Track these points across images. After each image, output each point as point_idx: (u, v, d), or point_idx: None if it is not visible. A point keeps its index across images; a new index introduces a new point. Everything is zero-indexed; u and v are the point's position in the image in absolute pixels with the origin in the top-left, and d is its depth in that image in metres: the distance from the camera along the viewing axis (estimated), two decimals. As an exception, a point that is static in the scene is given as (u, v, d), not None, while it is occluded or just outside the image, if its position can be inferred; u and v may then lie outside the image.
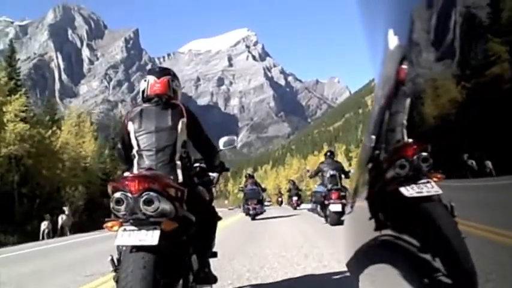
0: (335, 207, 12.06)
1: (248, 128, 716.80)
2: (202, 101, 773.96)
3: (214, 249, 4.09)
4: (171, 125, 3.48)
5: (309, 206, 17.22)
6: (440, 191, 0.79)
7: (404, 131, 0.90)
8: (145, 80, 3.78)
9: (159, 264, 2.85)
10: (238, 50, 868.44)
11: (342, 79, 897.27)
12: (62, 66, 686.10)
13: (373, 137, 1.17)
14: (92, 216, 28.28)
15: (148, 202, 2.86)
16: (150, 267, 2.78)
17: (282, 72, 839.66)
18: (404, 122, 0.90)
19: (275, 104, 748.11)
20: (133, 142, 3.52)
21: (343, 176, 13.24)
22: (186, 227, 3.28)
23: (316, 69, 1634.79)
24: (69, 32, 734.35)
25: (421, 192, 0.83)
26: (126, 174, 3.45)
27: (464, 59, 0.66)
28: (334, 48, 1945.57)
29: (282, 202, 40.34)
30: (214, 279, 3.89)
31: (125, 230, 2.89)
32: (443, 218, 0.78)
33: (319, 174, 13.56)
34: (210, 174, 4.25)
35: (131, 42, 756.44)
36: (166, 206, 2.96)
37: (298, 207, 28.46)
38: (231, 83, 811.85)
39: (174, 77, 3.86)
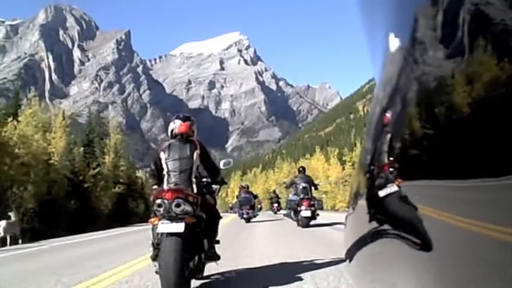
0: (306, 213, 14.58)
1: (239, 132, 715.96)
2: (193, 104, 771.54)
3: (217, 238, 5.81)
4: (189, 155, 5.16)
5: (283, 213, 19.84)
6: (396, 189, 1.07)
7: (385, 155, 1.17)
8: (173, 123, 5.46)
9: (183, 245, 4.57)
10: (230, 53, 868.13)
11: (333, 85, 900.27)
12: (52, 67, 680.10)
13: (369, 156, 1.37)
14: (52, 221, 24.65)
15: (178, 205, 4.68)
16: (179, 246, 4.52)
17: (274, 76, 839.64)
18: (385, 148, 1.17)
19: (266, 108, 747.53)
20: (164, 166, 5.18)
21: (313, 187, 15.76)
22: (200, 221, 4.97)
23: (308, 75, 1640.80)
24: (61, 32, 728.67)
25: (386, 191, 1.13)
26: (155, 187, 5.50)
27: (467, 64, 0.68)
28: (326, 53, 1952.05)
29: (261, 208, 45.35)
30: (218, 257, 5.57)
31: (162, 223, 4.66)
32: (397, 204, 1.06)
33: (293, 185, 15.82)
34: (214, 186, 5.98)
35: (123, 43, 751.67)
36: (188, 208, 4.73)
37: (278, 212, 34.44)
38: (222, 87, 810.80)
39: (193, 122, 5.57)
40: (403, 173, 1.02)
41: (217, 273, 6.16)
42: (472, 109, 0.66)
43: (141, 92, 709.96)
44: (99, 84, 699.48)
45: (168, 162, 5.17)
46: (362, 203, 1.39)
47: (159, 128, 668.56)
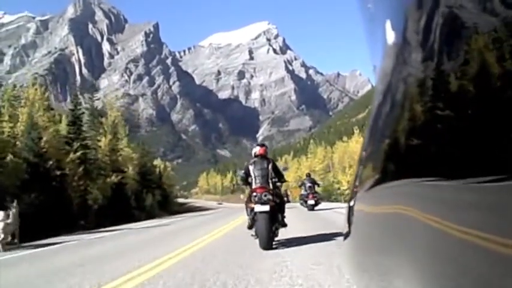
0: (311, 202, 23.29)
1: (269, 121, 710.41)
2: (223, 95, 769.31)
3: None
4: (266, 167, 8.77)
5: (298, 203, 28.55)
6: (359, 198, 1.35)
7: (361, 182, 1.35)
8: (255, 148, 9.30)
9: (269, 217, 8.17)
10: (259, 43, 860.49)
11: (363, 72, 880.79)
12: (82, 61, 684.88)
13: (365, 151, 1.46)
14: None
15: (265, 195, 8.29)
16: (267, 219, 8.14)
17: (303, 65, 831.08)
18: (360, 172, 1.38)
19: (296, 97, 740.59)
20: (252, 174, 8.76)
21: (315, 186, 24.66)
22: (276, 204, 8.43)
23: (338, 62, 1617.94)
24: (90, 26, 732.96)
25: (357, 198, 1.37)
26: (247, 186, 9.13)
27: (451, 64, 0.70)
28: (356, 40, 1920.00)
29: None
30: (286, 225, 9.17)
31: (257, 205, 8.27)
32: (382, 199, 1.12)
33: (303, 185, 24.77)
34: (278, 183, 9.20)
35: (151, 36, 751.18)
36: (270, 197, 8.29)
37: (287, 203, 38.72)
38: (251, 77, 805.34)
39: (267, 147, 9.59)
40: (387, 172, 1.06)
41: (280, 239, 9.47)
42: (462, 108, 0.67)
43: (170, 83, 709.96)
44: (129, 77, 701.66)
45: (255, 171, 8.77)
46: (359, 194, 1.46)
47: (189, 119, 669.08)
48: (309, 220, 16.32)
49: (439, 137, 0.74)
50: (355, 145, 52.74)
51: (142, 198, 43.95)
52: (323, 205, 26.96)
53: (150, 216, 38.37)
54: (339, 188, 52.51)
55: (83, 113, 34.26)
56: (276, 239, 8.96)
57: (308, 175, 26.44)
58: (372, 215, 1.23)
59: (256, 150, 9.31)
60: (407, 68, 0.92)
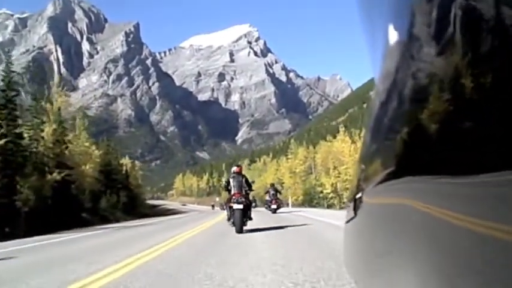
0: (274, 206, 30.37)
1: (249, 124, 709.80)
2: (203, 97, 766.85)
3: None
4: (241, 180, 13.24)
5: (264, 207, 35.20)
6: (360, 195, 1.45)
7: (361, 179, 1.52)
8: (234, 167, 14.14)
9: (242, 213, 12.55)
10: (240, 45, 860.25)
11: (343, 76, 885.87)
12: (61, 60, 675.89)
13: (367, 151, 1.55)
14: None
15: (240, 198, 12.70)
16: (241, 213, 12.50)
17: (284, 68, 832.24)
18: (362, 177, 1.49)
19: (276, 100, 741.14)
20: (231, 184, 13.17)
21: (278, 193, 32.49)
22: (247, 205, 12.85)
23: (318, 66, 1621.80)
24: (69, 25, 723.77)
25: (358, 195, 1.53)
26: (226, 193, 14.04)
27: (459, 60, 0.69)
28: (337, 45, 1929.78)
29: None
30: (251, 219, 13.61)
31: (234, 204, 12.56)
32: (361, 203, 1.43)
33: (268, 193, 32.22)
34: (248, 191, 13.47)
35: (132, 36, 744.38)
36: (244, 199, 12.71)
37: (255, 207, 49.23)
38: (232, 79, 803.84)
39: (241, 167, 14.87)
40: (392, 170, 1.08)
41: (248, 229, 13.07)
42: (463, 106, 0.67)
43: (150, 84, 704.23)
44: (108, 77, 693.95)
45: (234, 182, 12.96)
46: (362, 189, 1.53)
47: (168, 120, 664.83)
48: (270, 219, 21.30)
49: (442, 136, 0.75)
50: (340, 145, 49.01)
51: (108, 200, 41.54)
52: (284, 209, 35.35)
53: (106, 220, 35.31)
54: (321, 192, 49.68)
55: (17, 94, 29.43)
56: (245, 228, 12.93)
57: (272, 185, 34.55)
58: (373, 206, 1.28)
59: (235, 169, 13.87)
60: (409, 68, 0.92)
